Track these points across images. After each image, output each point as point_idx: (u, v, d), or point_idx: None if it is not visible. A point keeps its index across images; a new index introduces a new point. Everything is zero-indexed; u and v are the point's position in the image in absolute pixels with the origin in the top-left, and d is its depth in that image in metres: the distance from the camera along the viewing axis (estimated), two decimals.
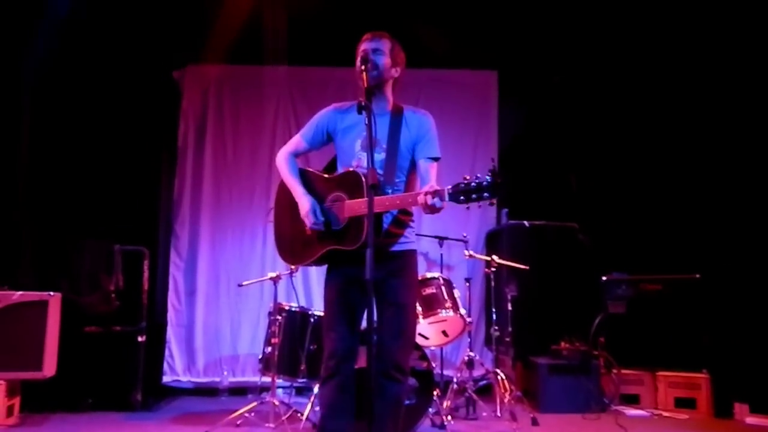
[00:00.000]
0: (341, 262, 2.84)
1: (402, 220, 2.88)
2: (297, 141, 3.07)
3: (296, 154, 3.05)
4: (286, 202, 2.98)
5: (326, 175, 2.94)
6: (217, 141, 6.02)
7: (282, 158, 3.03)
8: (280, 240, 3.03)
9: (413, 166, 2.94)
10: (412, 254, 2.92)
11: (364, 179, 2.70)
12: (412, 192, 2.73)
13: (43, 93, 5.22)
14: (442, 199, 2.50)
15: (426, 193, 2.52)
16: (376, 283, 2.78)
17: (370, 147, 2.49)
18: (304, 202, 2.84)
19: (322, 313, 3.23)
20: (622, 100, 5.78)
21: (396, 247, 2.84)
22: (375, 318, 2.86)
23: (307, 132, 3.03)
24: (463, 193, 2.45)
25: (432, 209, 2.54)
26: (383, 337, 2.76)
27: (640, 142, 5.68)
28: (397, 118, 2.92)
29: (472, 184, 2.44)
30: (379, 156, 2.84)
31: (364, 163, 2.81)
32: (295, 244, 2.95)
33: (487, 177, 2.43)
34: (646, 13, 5.32)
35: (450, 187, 2.49)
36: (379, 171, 2.81)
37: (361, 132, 2.86)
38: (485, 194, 2.42)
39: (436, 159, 2.94)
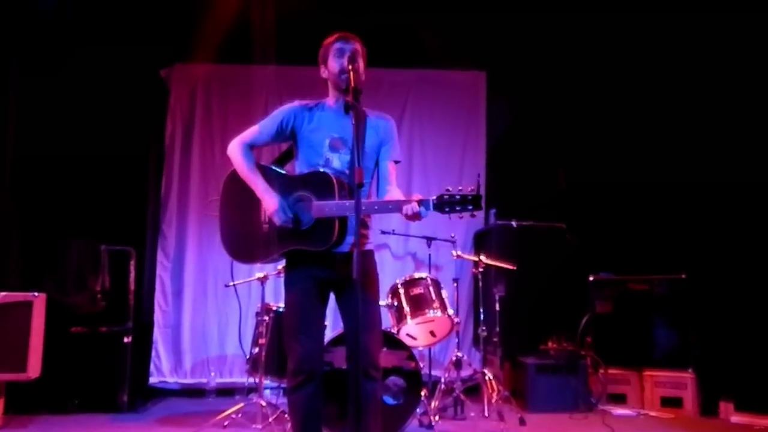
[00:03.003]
0: (304, 263, 2.80)
1: (365, 221, 2.89)
2: (255, 133, 2.94)
3: (252, 146, 2.94)
4: (236, 196, 2.89)
5: (287, 173, 2.88)
6: (205, 140, 5.99)
7: (237, 149, 2.90)
8: (230, 236, 2.92)
9: (375, 167, 2.96)
10: (372, 254, 2.96)
11: (335, 181, 2.70)
12: (399, 198, 2.74)
13: (29, 91, 5.16)
14: (426, 208, 2.56)
15: (412, 202, 2.56)
16: (339, 283, 2.81)
17: (358, 147, 2.50)
18: (270, 199, 2.76)
19: None
20: (610, 100, 5.80)
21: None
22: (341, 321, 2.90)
23: (269, 125, 2.92)
24: (447, 204, 2.54)
25: (416, 217, 2.58)
26: (358, 336, 2.72)
27: (627, 142, 5.71)
28: (362, 120, 2.90)
29: (457, 196, 2.53)
30: (346, 157, 2.84)
31: (334, 164, 2.83)
32: (247, 241, 2.86)
33: (471, 190, 2.52)
34: (634, 13, 5.34)
35: (434, 197, 2.56)
36: (346, 172, 2.81)
37: (330, 132, 2.85)
38: (469, 207, 2.53)
39: (397, 162, 3.00)
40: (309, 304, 2.82)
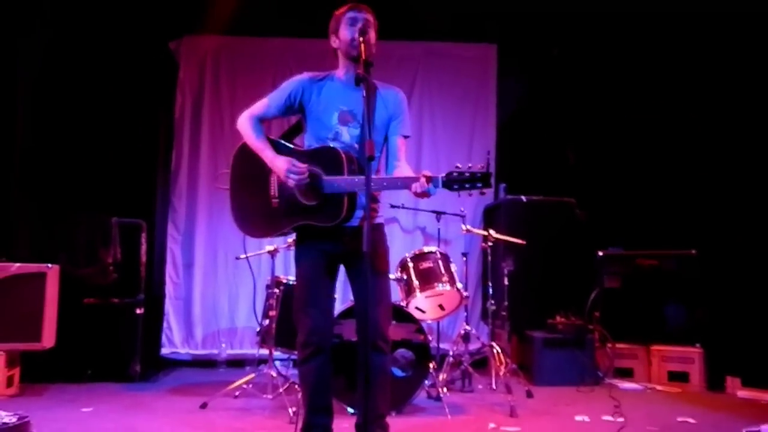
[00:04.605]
0: (313, 238, 2.80)
1: (375, 195, 2.89)
2: (264, 106, 2.92)
3: (261, 119, 2.92)
4: (246, 170, 2.88)
5: (297, 147, 2.86)
6: (215, 113, 5.98)
7: (246, 122, 2.89)
8: (240, 211, 2.92)
9: (385, 141, 2.94)
10: (382, 227, 2.96)
11: (344, 156, 2.68)
12: (410, 175, 2.72)
13: (38, 66, 5.16)
14: (435, 186, 2.54)
15: (423, 178, 2.55)
16: (349, 257, 2.82)
17: (369, 120, 2.49)
18: (280, 162, 2.73)
19: None
20: (621, 74, 5.75)
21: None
22: (352, 294, 2.93)
23: (278, 98, 2.89)
24: (456, 182, 2.52)
25: (424, 195, 2.57)
26: (367, 309, 2.74)
27: (637, 116, 5.66)
28: (372, 93, 2.88)
29: (466, 174, 2.50)
30: (355, 131, 2.82)
31: (343, 137, 2.81)
32: (257, 216, 2.87)
33: (480, 167, 2.50)
34: None
35: (444, 175, 2.54)
36: (355, 146, 2.80)
37: (339, 104, 2.83)
38: (478, 185, 2.50)
39: (407, 137, 2.97)
40: (318, 278, 2.83)
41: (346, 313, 3.88)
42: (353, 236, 2.78)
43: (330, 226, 2.72)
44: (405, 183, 2.62)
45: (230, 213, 2.95)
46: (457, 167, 2.53)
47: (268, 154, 2.79)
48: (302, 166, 2.69)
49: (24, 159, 5.12)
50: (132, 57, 5.54)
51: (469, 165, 2.53)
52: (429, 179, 2.54)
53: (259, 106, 2.93)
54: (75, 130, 5.36)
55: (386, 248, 2.95)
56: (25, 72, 5.11)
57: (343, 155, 2.69)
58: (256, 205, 2.86)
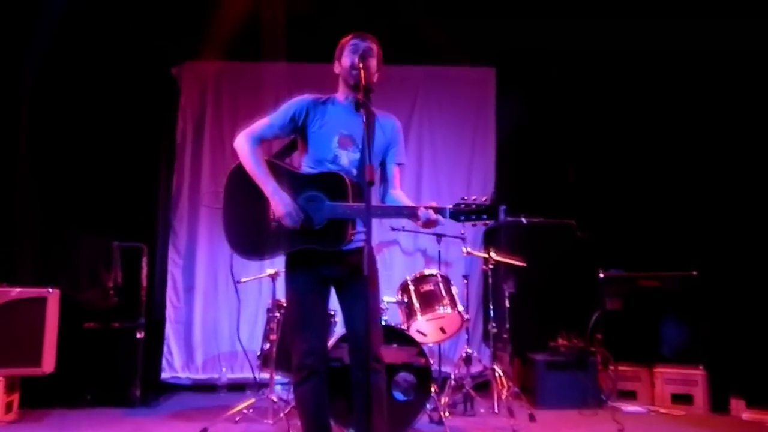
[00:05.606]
0: (308, 260, 2.79)
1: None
2: (264, 126, 2.88)
3: (261, 140, 2.87)
4: (242, 190, 2.83)
5: (299, 172, 2.86)
6: (216, 137, 6.02)
7: (245, 144, 2.83)
8: (235, 232, 2.87)
9: (379, 167, 2.97)
10: (372, 249, 2.95)
11: (348, 182, 2.71)
12: (407, 204, 2.80)
13: (41, 88, 5.20)
14: (443, 216, 2.63)
15: (428, 209, 2.61)
16: (342, 279, 2.84)
17: (369, 145, 2.52)
18: (280, 201, 2.72)
19: None
20: (621, 94, 5.78)
21: (356, 245, 2.82)
22: (345, 317, 2.91)
23: (281, 118, 2.86)
24: (463, 213, 2.63)
25: (432, 224, 2.64)
26: (359, 331, 2.74)
27: (637, 138, 5.69)
28: (372, 118, 2.91)
29: (473, 206, 2.61)
30: (354, 155, 2.84)
31: (342, 161, 2.83)
32: (254, 238, 2.83)
33: (485, 200, 2.61)
34: (643, 8, 5.31)
35: (451, 206, 2.63)
36: (353, 170, 2.82)
37: (339, 128, 2.85)
38: (483, 216, 2.61)
39: (401, 164, 3.03)
40: (311, 301, 2.83)
41: (346, 337, 3.86)
42: (347, 259, 2.80)
43: (332, 250, 2.73)
44: (411, 212, 2.67)
45: (224, 233, 2.89)
46: (463, 199, 2.63)
47: (269, 189, 2.75)
48: (300, 216, 2.71)
49: (26, 183, 5.14)
50: (134, 82, 5.59)
51: (474, 198, 2.63)
52: (437, 210, 2.61)
53: (260, 126, 2.88)
54: (77, 154, 5.38)
55: (376, 270, 2.96)
56: (28, 95, 5.16)
57: (348, 181, 2.71)
58: (253, 227, 2.83)
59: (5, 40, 5.04)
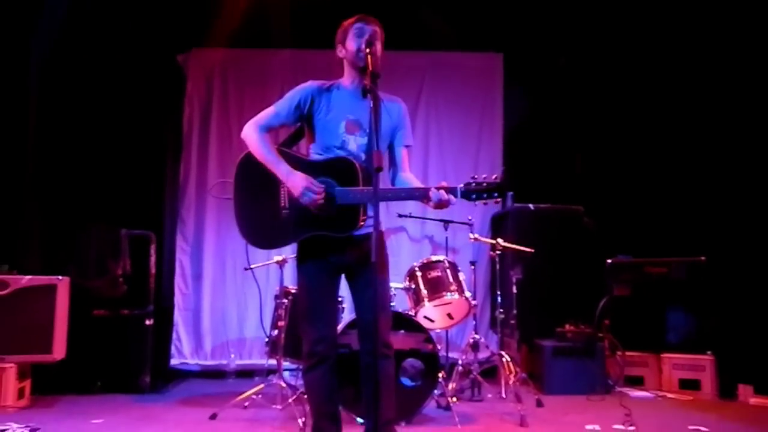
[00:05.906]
0: (318, 247, 2.79)
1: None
2: (270, 115, 2.88)
3: (268, 128, 2.87)
4: (252, 180, 2.84)
5: (308, 159, 2.86)
6: (222, 125, 6.02)
7: (253, 132, 2.83)
8: (247, 222, 2.88)
9: (387, 151, 2.97)
10: (382, 235, 2.96)
11: (358, 168, 2.71)
12: (417, 185, 2.80)
13: (49, 78, 5.22)
14: (455, 196, 2.62)
15: (439, 189, 2.61)
16: (352, 267, 2.84)
17: (376, 130, 2.50)
18: (296, 179, 2.71)
19: None
20: (628, 82, 5.75)
21: (367, 230, 2.80)
22: (354, 302, 2.93)
23: (284, 106, 2.86)
24: (474, 192, 2.62)
25: (443, 205, 2.64)
26: (369, 317, 2.73)
27: (645, 124, 5.66)
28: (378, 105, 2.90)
29: (483, 184, 2.61)
30: (362, 140, 2.83)
31: (350, 146, 2.83)
32: (265, 227, 2.84)
33: (495, 178, 2.61)
34: None
35: (462, 185, 2.63)
36: (362, 155, 2.82)
37: (346, 114, 2.84)
38: (494, 194, 2.61)
39: (409, 146, 3.02)
40: (322, 288, 2.85)
41: (354, 323, 3.87)
42: (357, 245, 2.80)
43: (343, 236, 2.73)
44: (422, 193, 2.67)
45: (235, 223, 2.91)
46: (473, 178, 2.63)
47: (282, 169, 2.75)
48: (320, 187, 2.69)
49: (34, 172, 5.16)
50: (140, 70, 5.59)
51: (484, 176, 2.63)
52: (448, 190, 2.60)
53: (266, 115, 2.88)
54: (84, 143, 5.40)
55: (386, 256, 2.98)
56: (35, 85, 5.17)
57: (359, 166, 2.71)
58: (265, 216, 2.84)
59: (12, 30, 5.04)
